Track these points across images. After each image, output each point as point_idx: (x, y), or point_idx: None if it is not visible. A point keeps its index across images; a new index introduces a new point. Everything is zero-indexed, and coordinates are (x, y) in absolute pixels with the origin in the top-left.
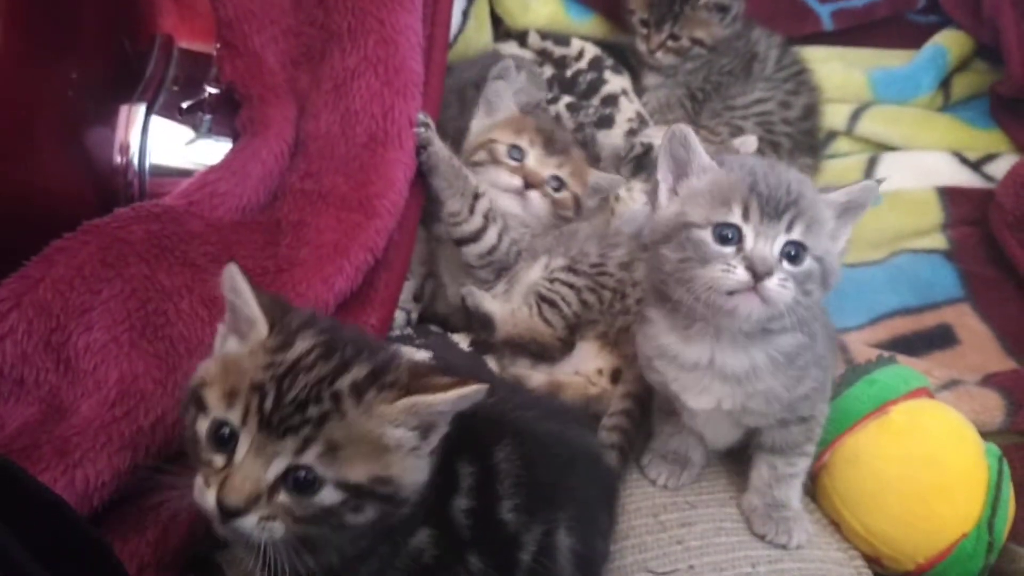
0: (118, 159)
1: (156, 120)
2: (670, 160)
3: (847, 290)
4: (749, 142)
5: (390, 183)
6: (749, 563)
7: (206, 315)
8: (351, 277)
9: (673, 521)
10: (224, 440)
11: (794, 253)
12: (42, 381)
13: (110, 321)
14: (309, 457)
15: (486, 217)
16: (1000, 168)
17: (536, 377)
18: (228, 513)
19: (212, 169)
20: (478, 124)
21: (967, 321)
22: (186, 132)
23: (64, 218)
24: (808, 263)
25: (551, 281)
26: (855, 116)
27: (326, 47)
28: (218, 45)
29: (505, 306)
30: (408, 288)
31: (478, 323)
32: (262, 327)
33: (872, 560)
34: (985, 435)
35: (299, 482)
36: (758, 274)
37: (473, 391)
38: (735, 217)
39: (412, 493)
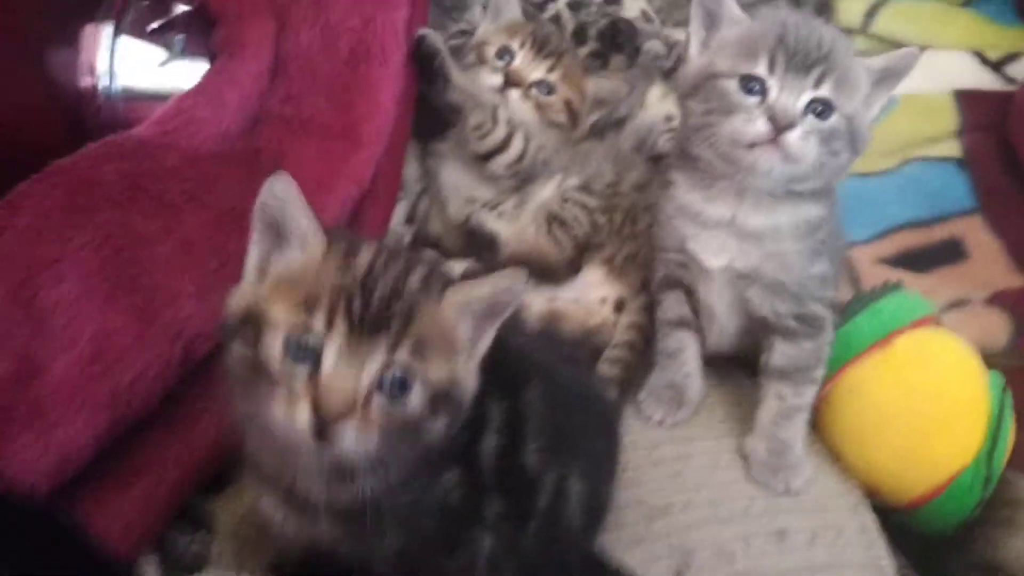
0: (85, 83)
1: (124, 40)
2: (703, 12)
3: (855, 202)
4: None
5: (375, 105)
6: (746, 497)
7: (186, 261)
8: (336, 213)
9: (669, 455)
10: (303, 352)
11: (820, 109)
12: (12, 337)
13: (83, 272)
14: (402, 354)
15: (510, 124)
16: (1023, 69)
17: (535, 304)
18: (325, 425)
19: (188, 94)
20: (482, 29)
21: (977, 235)
22: (158, 53)
23: (31, 150)
24: (835, 120)
25: (564, 200)
26: (871, 12)
27: None
28: None
29: (511, 226)
30: (400, 210)
31: (482, 243)
32: (320, 237)
33: (870, 493)
34: (989, 357)
35: (392, 383)
36: (779, 126)
37: (516, 276)
38: (760, 68)
39: (467, 402)
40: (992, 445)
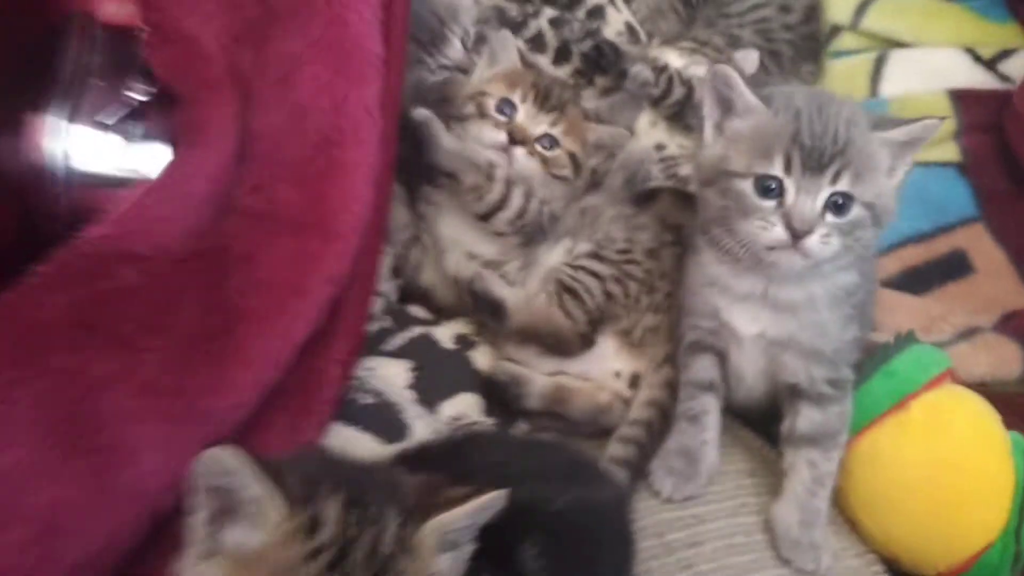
0: (36, 173)
1: (79, 129)
2: (715, 97)
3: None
4: (751, 58)
5: (350, 193)
6: None
7: (146, 407)
8: (312, 320)
9: (680, 541)
10: None
11: (840, 203)
12: None
13: (31, 437)
14: None
15: (506, 181)
16: (1017, 66)
17: (538, 381)
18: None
19: (148, 191)
20: (478, 75)
21: (982, 245)
22: (116, 140)
23: None
24: (855, 212)
25: (574, 268)
26: (860, 9)
27: (268, 29)
28: (145, 29)
29: (519, 292)
30: (386, 262)
31: (487, 309)
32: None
33: (890, 561)
34: (1003, 387)
35: None
36: (797, 233)
37: (491, 500)
38: (776, 169)
39: None
40: (1020, 520)
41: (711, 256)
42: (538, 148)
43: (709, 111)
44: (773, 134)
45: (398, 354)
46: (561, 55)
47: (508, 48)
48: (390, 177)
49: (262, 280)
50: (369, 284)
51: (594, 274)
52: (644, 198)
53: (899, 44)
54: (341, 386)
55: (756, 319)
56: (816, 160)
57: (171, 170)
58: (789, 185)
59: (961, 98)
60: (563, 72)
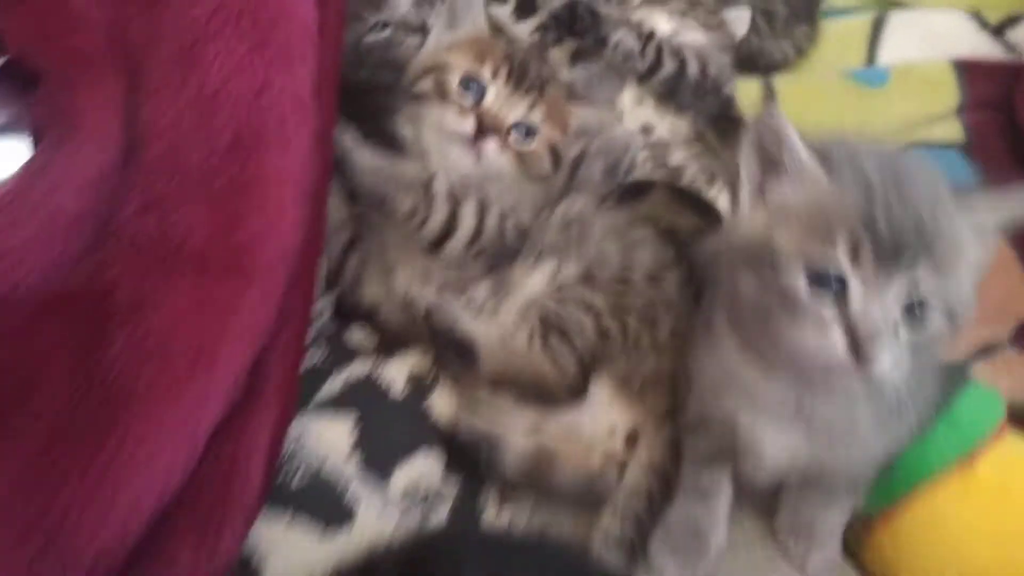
0: None
1: None
2: (757, 153)
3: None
4: (742, 18)
5: (274, 212)
6: None
7: None
8: (226, 396)
9: None
10: None
11: (919, 310)
12: None
13: None
14: None
15: (451, 199)
16: None
17: (516, 442)
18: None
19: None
20: (434, 41)
21: None
22: None
23: None
24: (936, 322)
25: (561, 299)
26: None
27: None
28: None
29: (492, 327)
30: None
31: (451, 349)
32: None
33: None
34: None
35: None
36: (863, 348)
37: None
38: (839, 258)
39: None
40: None
41: (732, 344)
42: (512, 140)
43: (748, 169)
44: (835, 211)
45: (337, 404)
46: (524, 6)
47: (473, 7)
48: (327, 184)
49: (156, 341)
50: (301, 327)
51: (586, 306)
52: (631, 195)
53: (897, 3)
54: (268, 475)
55: (785, 440)
56: (892, 252)
57: (27, 176)
58: (855, 282)
59: (966, 69)
60: (525, 28)
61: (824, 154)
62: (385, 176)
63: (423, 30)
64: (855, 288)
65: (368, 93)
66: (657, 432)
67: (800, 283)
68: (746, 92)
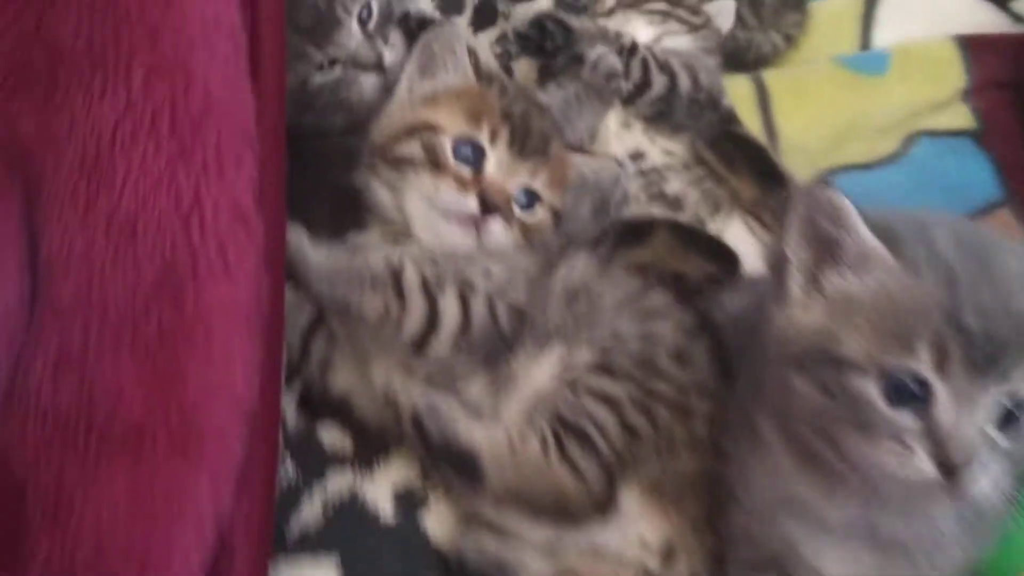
0: None
1: None
2: (809, 234)
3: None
4: (726, 10)
5: (223, 359)
6: None
7: None
8: None
9: None
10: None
11: (1018, 414)
12: None
13: None
14: None
15: (426, 291)
16: None
17: (533, 568)
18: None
19: None
20: (406, 88)
21: (1013, 236)
22: None
23: None
24: None
25: (574, 391)
26: None
27: (57, 74)
28: None
29: (496, 433)
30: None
31: (449, 461)
32: None
33: None
34: None
35: None
36: (953, 467)
37: None
38: (921, 364)
39: None
40: None
41: (787, 459)
42: (518, 212)
43: (797, 253)
44: (913, 306)
45: (316, 545)
46: (483, 14)
47: (455, 50)
48: (282, 306)
49: (88, 553)
50: (268, 489)
51: (607, 399)
52: (630, 237)
53: None
54: None
55: (852, 561)
56: (984, 352)
57: None
58: (942, 392)
59: (971, 46)
60: (484, 40)
61: (890, 232)
62: (345, 279)
63: (379, 67)
64: (943, 399)
65: (315, 139)
66: (697, 543)
67: (874, 393)
68: (734, 91)
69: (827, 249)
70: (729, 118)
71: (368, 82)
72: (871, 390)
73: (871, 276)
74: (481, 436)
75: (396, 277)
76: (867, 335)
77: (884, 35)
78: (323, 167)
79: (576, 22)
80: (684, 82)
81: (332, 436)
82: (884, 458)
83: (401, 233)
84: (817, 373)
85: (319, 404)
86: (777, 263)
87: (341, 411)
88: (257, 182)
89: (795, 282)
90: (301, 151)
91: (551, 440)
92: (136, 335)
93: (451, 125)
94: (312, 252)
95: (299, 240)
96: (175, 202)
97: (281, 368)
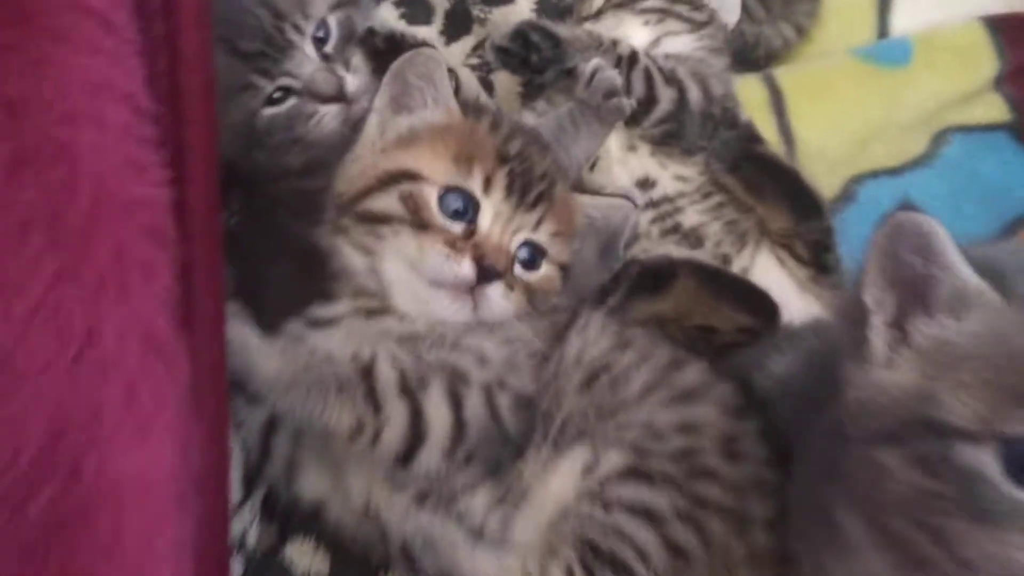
0: None
1: None
2: (889, 273)
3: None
4: (730, 3)
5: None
6: None
7: None
8: None
9: None
10: None
11: None
12: None
13: None
14: None
15: (406, 392)
16: None
17: None
18: None
19: None
20: (377, 126)
21: None
22: None
23: None
24: None
25: (604, 506)
26: None
27: None
28: None
29: (508, 563)
30: (234, 462)
31: None
32: None
33: None
34: None
35: None
36: None
37: None
38: None
39: None
40: None
41: (881, 563)
42: (519, 272)
43: (878, 301)
44: None
45: None
46: (455, 23)
47: (435, 80)
48: (225, 424)
49: None
50: None
51: (646, 514)
52: (646, 285)
53: None
54: None
55: None
56: None
57: None
58: None
59: (1002, 28)
60: (457, 50)
61: (993, 268)
62: (304, 388)
63: (341, 97)
64: None
65: (267, 183)
66: None
67: (992, 468)
68: (745, 95)
69: (915, 290)
70: (749, 136)
71: (329, 115)
72: (988, 465)
73: (973, 320)
74: (489, 569)
75: (368, 378)
76: (977, 394)
77: (902, 20)
78: (278, 218)
79: (564, 30)
80: (694, 95)
81: (303, 556)
82: (1013, 555)
83: (378, 306)
84: (915, 448)
85: (287, 512)
86: (853, 314)
87: (314, 523)
88: (177, 292)
89: (879, 336)
90: (251, 198)
91: (579, 571)
92: (17, 523)
93: (436, 172)
94: (260, 356)
95: (244, 339)
96: (60, 337)
97: (227, 536)
